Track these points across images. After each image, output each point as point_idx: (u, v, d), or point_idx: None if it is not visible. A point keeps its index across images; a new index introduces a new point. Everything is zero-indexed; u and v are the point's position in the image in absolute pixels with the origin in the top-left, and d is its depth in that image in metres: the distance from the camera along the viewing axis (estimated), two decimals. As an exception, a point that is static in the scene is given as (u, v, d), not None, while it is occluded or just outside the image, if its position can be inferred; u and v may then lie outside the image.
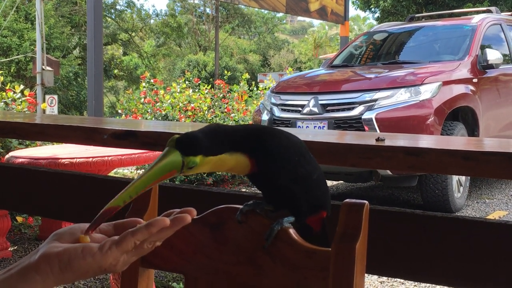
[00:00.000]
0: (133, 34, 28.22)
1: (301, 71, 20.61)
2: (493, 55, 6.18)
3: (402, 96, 5.38)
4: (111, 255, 0.74)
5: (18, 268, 0.74)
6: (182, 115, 7.44)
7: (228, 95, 9.12)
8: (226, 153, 0.84)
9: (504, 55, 6.60)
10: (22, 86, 5.74)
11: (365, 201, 0.87)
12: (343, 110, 5.52)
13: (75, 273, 0.74)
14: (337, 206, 0.90)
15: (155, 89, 8.06)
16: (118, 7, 27.60)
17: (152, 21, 33.38)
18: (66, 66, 19.16)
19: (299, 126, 5.66)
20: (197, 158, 0.81)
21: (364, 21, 50.15)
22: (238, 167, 0.86)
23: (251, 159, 0.86)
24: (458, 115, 5.91)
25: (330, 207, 0.96)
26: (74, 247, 0.75)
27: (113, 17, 26.96)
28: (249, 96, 10.57)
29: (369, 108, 5.36)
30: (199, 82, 9.25)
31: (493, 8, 7.76)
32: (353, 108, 5.45)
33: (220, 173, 6.93)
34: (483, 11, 7.89)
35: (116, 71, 26.15)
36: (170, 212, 0.80)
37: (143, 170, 0.85)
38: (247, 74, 11.10)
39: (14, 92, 5.55)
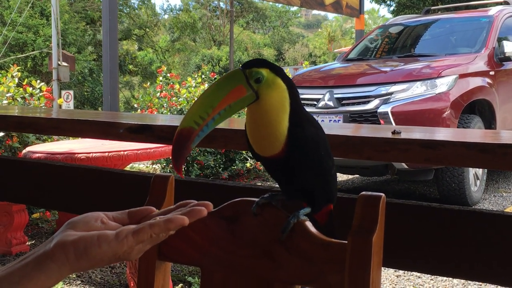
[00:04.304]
0: (147, 29, 28.29)
1: (316, 65, 20.55)
2: (510, 48, 6.11)
3: (418, 89, 5.34)
4: (127, 243, 0.74)
5: (33, 257, 0.74)
6: (197, 109, 7.44)
7: (242, 89, 9.07)
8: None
9: (522, 47, 6.51)
10: (42, 83, 5.77)
11: (381, 194, 0.86)
12: (358, 103, 5.49)
13: (90, 261, 0.74)
14: (354, 199, 0.89)
15: (171, 83, 8.06)
16: (132, 2, 27.70)
17: (166, 16, 33.45)
18: (81, 62, 19.27)
19: (314, 120, 5.64)
20: (263, 70, 0.82)
21: (377, 13, 49.77)
22: (281, 133, 0.85)
23: (286, 139, 0.85)
24: (475, 108, 5.86)
25: (336, 199, 0.97)
26: (90, 235, 0.75)
27: (127, 11, 27.03)
28: (264, 90, 10.52)
29: (385, 102, 5.33)
30: (215, 76, 9.26)
31: (510, 0, 7.66)
32: (368, 102, 5.42)
33: (235, 167, 6.93)
34: (500, 3, 7.80)
35: (130, 66, 26.24)
36: (187, 203, 0.80)
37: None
38: (261, 68, 11.04)
39: (33, 88, 5.58)
